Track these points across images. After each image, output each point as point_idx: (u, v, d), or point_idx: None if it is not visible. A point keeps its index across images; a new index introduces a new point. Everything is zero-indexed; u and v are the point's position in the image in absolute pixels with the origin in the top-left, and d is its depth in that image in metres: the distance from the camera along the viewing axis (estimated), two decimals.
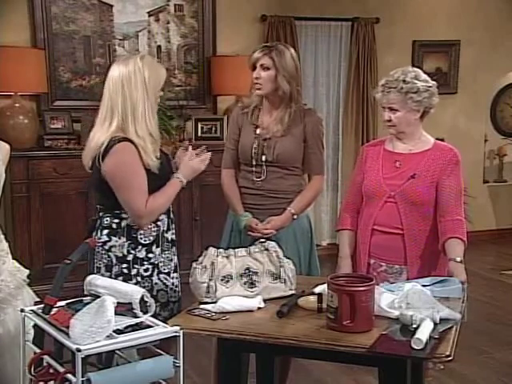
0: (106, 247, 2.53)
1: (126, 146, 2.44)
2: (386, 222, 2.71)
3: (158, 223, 2.57)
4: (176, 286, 2.66)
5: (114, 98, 2.48)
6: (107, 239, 2.53)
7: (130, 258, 2.53)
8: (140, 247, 2.54)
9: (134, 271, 2.53)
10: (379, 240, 2.73)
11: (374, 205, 2.74)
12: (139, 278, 2.53)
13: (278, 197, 2.95)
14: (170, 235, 2.63)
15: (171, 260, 2.64)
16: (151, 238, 2.56)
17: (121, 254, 2.52)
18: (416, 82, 2.63)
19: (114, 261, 2.53)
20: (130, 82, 2.47)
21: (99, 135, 2.49)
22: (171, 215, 2.65)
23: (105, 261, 2.53)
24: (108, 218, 2.54)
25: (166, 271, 2.61)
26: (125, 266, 2.53)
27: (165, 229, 2.60)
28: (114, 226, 2.54)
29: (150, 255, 2.56)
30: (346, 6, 5.96)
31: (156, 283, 2.56)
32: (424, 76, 2.69)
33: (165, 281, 2.59)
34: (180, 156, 2.72)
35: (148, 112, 2.49)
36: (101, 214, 2.57)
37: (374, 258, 2.77)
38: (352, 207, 2.88)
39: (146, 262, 2.55)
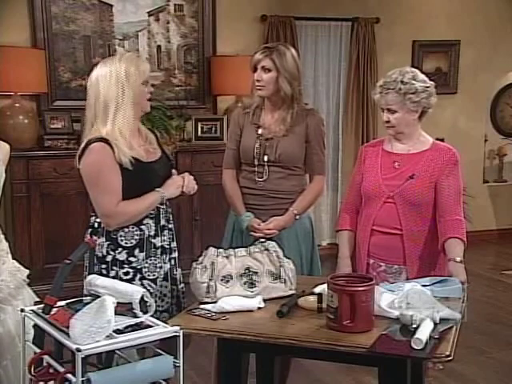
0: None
1: (99, 146, 2.43)
2: (385, 223, 2.70)
3: (142, 227, 2.53)
4: (164, 295, 2.59)
5: (92, 98, 2.48)
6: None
7: (108, 258, 2.51)
8: (120, 249, 2.51)
9: (112, 273, 2.49)
10: (378, 240, 2.73)
11: (372, 205, 2.74)
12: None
13: (280, 197, 2.95)
14: (158, 242, 2.57)
15: (160, 267, 2.57)
16: (133, 241, 2.52)
17: (100, 254, 2.50)
18: (414, 82, 2.63)
19: (95, 260, 2.50)
20: (104, 81, 2.46)
21: (83, 138, 2.51)
22: (162, 222, 2.59)
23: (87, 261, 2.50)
24: (93, 217, 2.56)
25: (151, 278, 2.55)
26: (104, 266, 2.51)
27: (151, 234, 2.55)
28: (96, 225, 2.54)
29: (132, 259, 2.52)
30: (345, 6, 5.95)
31: None
32: (422, 76, 2.69)
33: (149, 287, 2.52)
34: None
35: (121, 109, 2.45)
36: (90, 213, 2.58)
37: (373, 258, 2.76)
38: (351, 208, 2.88)
39: (126, 265, 2.51)
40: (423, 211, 2.68)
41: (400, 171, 2.71)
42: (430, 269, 2.69)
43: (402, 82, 2.63)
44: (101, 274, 2.44)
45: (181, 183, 2.60)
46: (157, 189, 2.53)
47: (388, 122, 2.71)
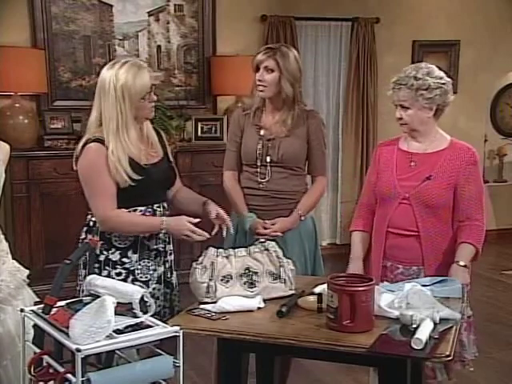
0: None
1: (96, 146, 2.42)
2: (401, 225, 2.63)
3: None
4: (157, 298, 2.58)
5: (96, 107, 2.47)
6: (84, 236, 2.55)
7: (101, 258, 2.51)
8: (114, 250, 2.52)
9: (104, 272, 2.49)
10: (394, 242, 2.66)
11: (387, 206, 2.67)
12: None
13: (282, 197, 2.94)
14: (153, 244, 2.57)
15: (154, 270, 2.57)
16: (127, 242, 2.52)
17: (97, 245, 2.47)
18: (428, 78, 2.55)
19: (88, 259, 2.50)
20: (103, 92, 2.43)
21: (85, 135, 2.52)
22: None
23: (82, 258, 2.49)
24: (89, 216, 2.56)
25: (144, 280, 2.54)
26: (96, 265, 2.50)
27: (146, 236, 2.54)
28: (91, 223, 2.55)
29: (125, 260, 2.52)
30: (345, 6, 5.95)
31: None
32: (438, 73, 2.61)
33: None
34: (212, 212, 2.58)
35: (122, 128, 2.43)
36: (87, 211, 2.57)
37: (389, 261, 2.68)
38: (365, 208, 2.82)
39: (118, 266, 2.52)
40: (440, 213, 2.61)
41: (416, 171, 2.64)
42: (448, 270, 2.55)
43: (415, 77, 2.56)
44: (93, 273, 2.42)
45: (187, 234, 2.46)
46: (164, 218, 2.50)
47: (401, 118, 2.63)
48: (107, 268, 2.51)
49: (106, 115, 2.43)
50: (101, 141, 2.43)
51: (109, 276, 2.48)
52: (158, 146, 2.64)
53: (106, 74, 2.45)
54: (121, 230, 2.49)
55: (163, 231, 2.53)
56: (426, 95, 2.56)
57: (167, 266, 2.64)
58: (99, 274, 2.47)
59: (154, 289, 2.58)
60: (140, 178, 2.45)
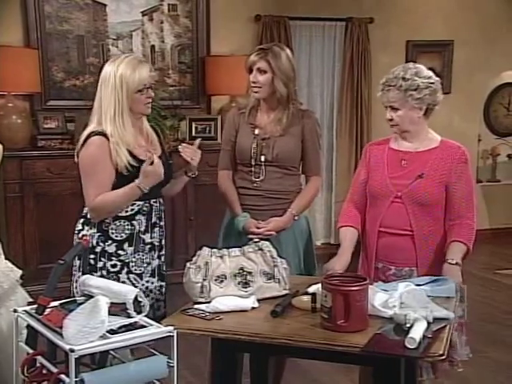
0: (80, 236, 2.56)
1: (99, 139, 2.48)
2: (394, 224, 2.62)
3: (133, 222, 2.57)
4: (150, 291, 2.62)
5: (98, 99, 2.55)
6: (81, 228, 2.59)
7: (98, 249, 2.54)
8: (110, 242, 2.55)
9: (100, 264, 2.54)
10: (387, 242, 2.64)
11: (379, 205, 2.66)
12: (104, 272, 2.53)
13: (276, 197, 2.94)
14: (148, 238, 2.61)
15: (148, 263, 2.61)
16: (123, 235, 2.56)
17: (90, 245, 2.51)
18: (416, 78, 2.55)
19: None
20: (104, 83, 2.52)
21: (87, 128, 2.57)
22: (153, 219, 2.62)
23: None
24: (85, 208, 2.59)
25: (138, 273, 2.59)
26: (92, 256, 2.54)
27: (142, 229, 2.58)
28: (88, 215, 2.57)
29: (121, 252, 2.56)
30: (340, 6, 5.96)
31: (123, 282, 2.52)
32: (426, 72, 2.61)
33: (134, 282, 2.56)
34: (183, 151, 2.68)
35: (119, 115, 2.50)
36: (84, 204, 2.60)
37: (381, 262, 2.67)
38: (354, 205, 2.79)
39: (114, 258, 2.55)
40: (434, 211, 2.61)
41: (408, 170, 2.63)
42: (441, 270, 2.54)
43: (403, 78, 2.55)
44: (88, 264, 2.49)
45: (149, 170, 2.48)
46: (136, 181, 2.50)
47: (391, 120, 2.63)
48: (103, 259, 2.55)
49: (104, 102, 2.51)
50: (104, 134, 2.48)
51: (104, 267, 2.53)
52: (157, 144, 2.70)
53: (108, 67, 2.55)
54: (108, 210, 2.52)
55: (146, 190, 2.50)
56: (415, 96, 2.55)
57: (162, 260, 2.69)
58: (95, 265, 2.52)
59: (147, 281, 2.62)
60: (138, 165, 2.49)
